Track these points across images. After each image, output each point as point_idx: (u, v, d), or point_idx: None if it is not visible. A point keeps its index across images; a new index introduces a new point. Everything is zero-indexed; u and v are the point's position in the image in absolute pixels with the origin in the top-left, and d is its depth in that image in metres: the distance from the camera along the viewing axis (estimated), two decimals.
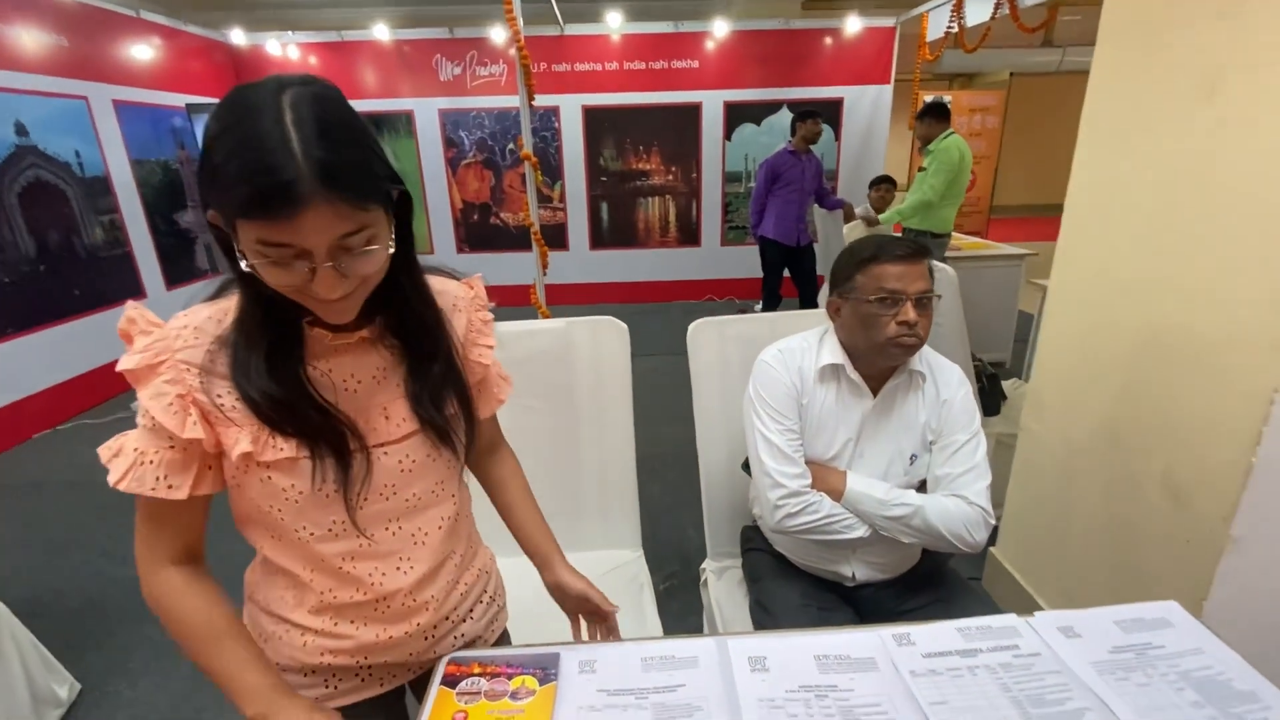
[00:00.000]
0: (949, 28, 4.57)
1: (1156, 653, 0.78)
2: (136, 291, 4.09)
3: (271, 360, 0.62)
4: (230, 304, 0.64)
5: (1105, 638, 0.80)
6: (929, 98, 3.71)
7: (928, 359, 1.17)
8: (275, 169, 0.49)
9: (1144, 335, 1.39)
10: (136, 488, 0.61)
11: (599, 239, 5.78)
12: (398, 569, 0.73)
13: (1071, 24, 6.69)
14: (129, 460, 0.61)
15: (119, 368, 0.60)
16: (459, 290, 0.77)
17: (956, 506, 1.07)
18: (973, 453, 1.11)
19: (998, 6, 3.99)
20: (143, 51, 4.22)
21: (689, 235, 5.78)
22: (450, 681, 0.76)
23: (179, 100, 4.44)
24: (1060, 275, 1.66)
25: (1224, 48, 1.18)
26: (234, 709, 0.64)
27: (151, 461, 0.61)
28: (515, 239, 5.68)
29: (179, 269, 4.46)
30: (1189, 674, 0.74)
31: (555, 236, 5.62)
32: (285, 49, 5.13)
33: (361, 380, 0.68)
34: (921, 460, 1.15)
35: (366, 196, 0.54)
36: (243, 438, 0.61)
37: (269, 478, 0.64)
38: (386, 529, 0.71)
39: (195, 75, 4.73)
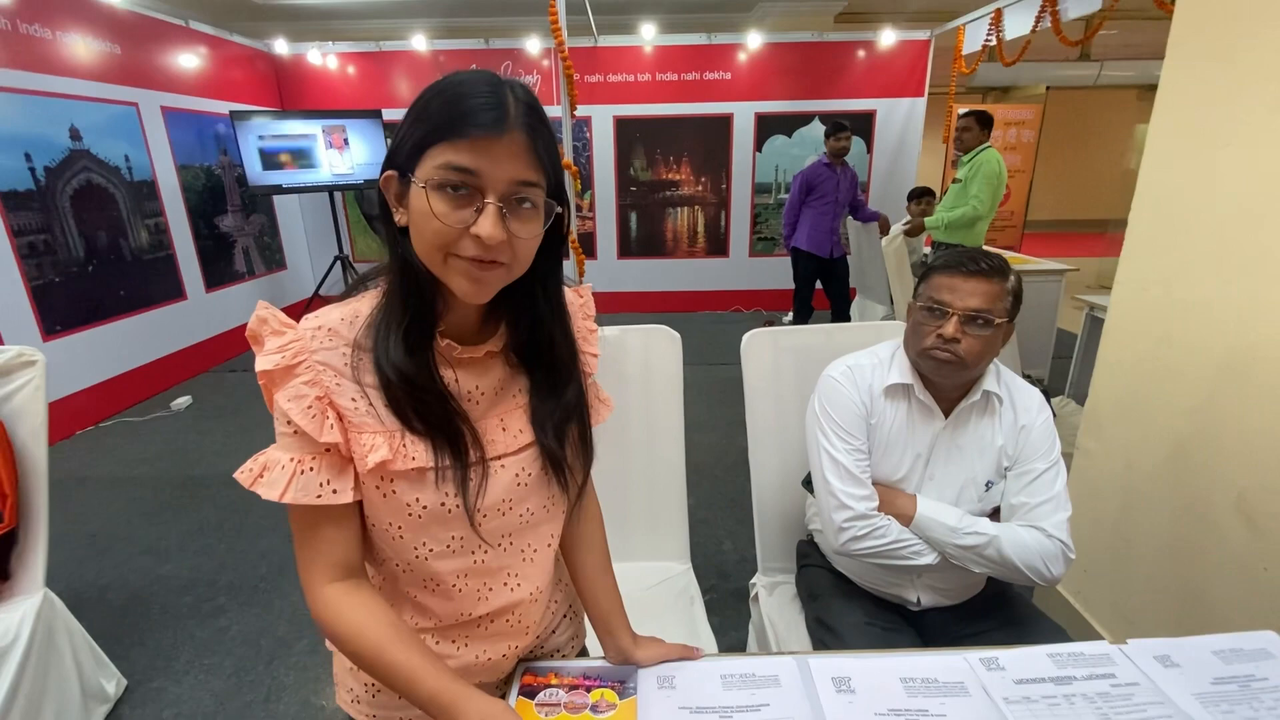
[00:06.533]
0: (987, 40, 4.52)
1: (1260, 685, 0.74)
2: (178, 293, 4.17)
3: (409, 340, 0.61)
4: (361, 304, 0.63)
5: (1205, 668, 0.77)
6: (963, 110, 3.65)
7: (1006, 381, 1.12)
8: (496, 96, 0.55)
9: (1216, 354, 1.35)
10: (303, 498, 0.59)
11: (627, 248, 5.79)
12: (504, 584, 0.72)
13: (1109, 37, 6.59)
14: (288, 471, 0.59)
15: (257, 368, 0.58)
16: (569, 297, 0.77)
17: (1034, 539, 1.02)
18: (1052, 482, 1.05)
19: (1039, 19, 3.94)
20: (190, 60, 4.33)
21: (717, 246, 5.77)
22: (528, 692, 0.75)
23: (223, 107, 4.54)
24: (1122, 291, 1.62)
25: None
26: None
27: (312, 468, 0.60)
28: None
29: (218, 272, 4.55)
30: None
31: (583, 245, 5.63)
32: (325, 59, 5.23)
33: (485, 393, 0.68)
34: (997, 487, 1.10)
35: (547, 165, 0.58)
36: (379, 444, 0.60)
37: (394, 492, 0.62)
38: (499, 544, 0.70)
39: (239, 83, 4.84)
